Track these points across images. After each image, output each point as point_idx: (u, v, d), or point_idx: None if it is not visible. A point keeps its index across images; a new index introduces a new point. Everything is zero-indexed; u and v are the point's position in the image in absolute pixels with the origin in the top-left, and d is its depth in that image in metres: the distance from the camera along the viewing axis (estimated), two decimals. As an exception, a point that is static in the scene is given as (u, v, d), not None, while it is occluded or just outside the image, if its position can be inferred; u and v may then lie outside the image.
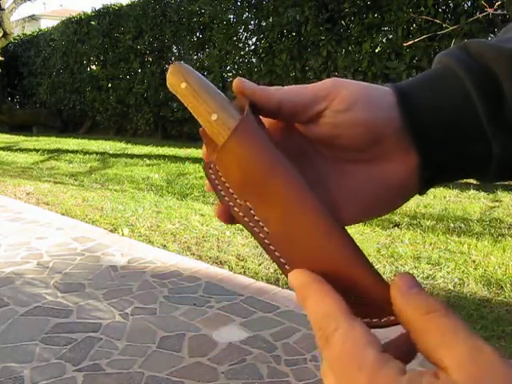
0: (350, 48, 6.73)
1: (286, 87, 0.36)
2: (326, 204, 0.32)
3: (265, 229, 0.32)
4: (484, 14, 4.01)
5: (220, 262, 3.05)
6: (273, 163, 0.32)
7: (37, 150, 8.55)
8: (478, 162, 0.35)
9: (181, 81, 0.36)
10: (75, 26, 11.76)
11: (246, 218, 0.32)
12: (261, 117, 0.36)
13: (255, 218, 0.32)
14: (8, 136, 11.65)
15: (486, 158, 0.35)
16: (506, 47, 0.34)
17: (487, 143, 0.34)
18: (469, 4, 5.57)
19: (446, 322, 0.26)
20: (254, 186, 0.32)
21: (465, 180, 4.92)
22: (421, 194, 0.38)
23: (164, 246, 3.37)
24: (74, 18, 11.87)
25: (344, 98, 0.34)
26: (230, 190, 0.33)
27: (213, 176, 0.34)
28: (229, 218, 0.35)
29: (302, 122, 0.36)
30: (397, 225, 3.54)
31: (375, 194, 0.36)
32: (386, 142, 0.35)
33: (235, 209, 0.33)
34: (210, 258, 3.12)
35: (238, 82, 0.36)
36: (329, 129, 0.35)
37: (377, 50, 6.45)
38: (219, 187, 0.34)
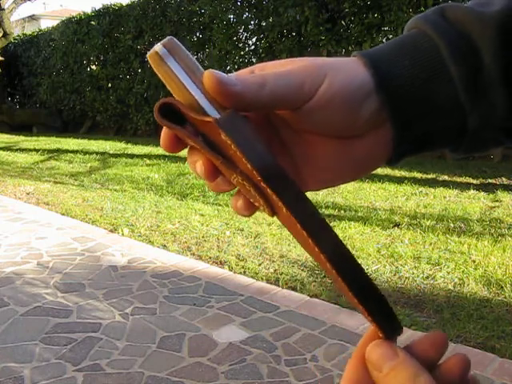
0: (350, 48, 6.73)
1: (270, 77, 0.32)
2: (289, 170, 0.31)
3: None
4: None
5: (220, 261, 3.05)
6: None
7: (37, 150, 8.55)
8: (453, 135, 0.35)
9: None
10: (75, 26, 11.76)
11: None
12: None
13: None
14: (8, 136, 11.66)
15: (461, 131, 0.34)
16: (487, 12, 0.33)
17: (464, 117, 0.33)
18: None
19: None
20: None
21: (465, 180, 4.93)
22: (390, 164, 0.37)
23: (164, 246, 3.37)
24: (73, 18, 11.87)
25: (321, 96, 0.32)
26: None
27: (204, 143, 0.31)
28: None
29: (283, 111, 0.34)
30: (397, 225, 3.54)
31: (341, 166, 0.35)
32: (359, 124, 0.33)
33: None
34: (210, 257, 3.12)
35: (212, 83, 0.30)
36: (302, 115, 0.33)
37: (377, 50, 6.45)
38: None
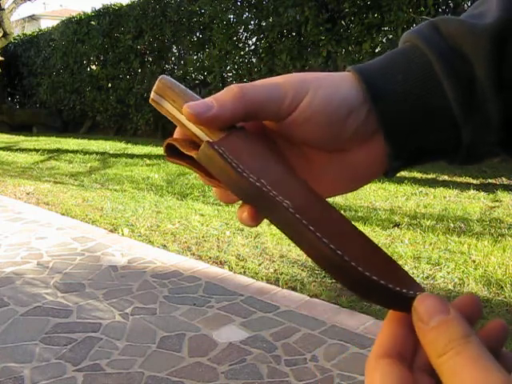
0: (349, 48, 6.73)
1: (249, 86, 0.32)
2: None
3: (273, 193, 0.31)
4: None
5: (220, 261, 3.05)
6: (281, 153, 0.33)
7: (37, 150, 8.55)
8: (448, 148, 0.35)
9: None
10: (75, 26, 11.76)
11: (263, 188, 0.30)
12: None
13: (269, 188, 0.31)
14: (8, 136, 11.65)
15: (456, 144, 0.34)
16: (479, 25, 0.33)
17: (458, 130, 0.33)
18: (469, 4, 5.57)
19: (458, 363, 0.24)
20: (271, 171, 0.31)
21: (465, 180, 4.93)
22: (386, 177, 0.37)
23: (164, 246, 3.37)
24: (73, 18, 11.87)
25: (304, 108, 0.33)
26: (240, 167, 0.31)
27: (220, 150, 0.31)
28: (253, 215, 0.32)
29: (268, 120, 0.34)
30: (397, 225, 3.54)
31: (337, 178, 0.36)
32: (345, 136, 0.33)
33: (251, 179, 0.31)
34: (210, 257, 3.12)
35: (188, 116, 0.31)
36: (288, 127, 0.34)
37: (377, 50, 6.45)
38: (229, 160, 0.31)
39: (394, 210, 3.94)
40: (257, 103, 0.32)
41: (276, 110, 0.32)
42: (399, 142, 0.34)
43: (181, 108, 0.33)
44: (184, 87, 0.34)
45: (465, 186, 4.63)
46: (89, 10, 11.78)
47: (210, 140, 0.32)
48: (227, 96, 0.32)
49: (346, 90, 0.33)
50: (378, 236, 3.32)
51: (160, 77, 0.35)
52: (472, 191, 4.46)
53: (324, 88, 0.33)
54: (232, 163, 0.31)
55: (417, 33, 0.34)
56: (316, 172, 0.36)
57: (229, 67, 8.73)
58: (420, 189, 4.63)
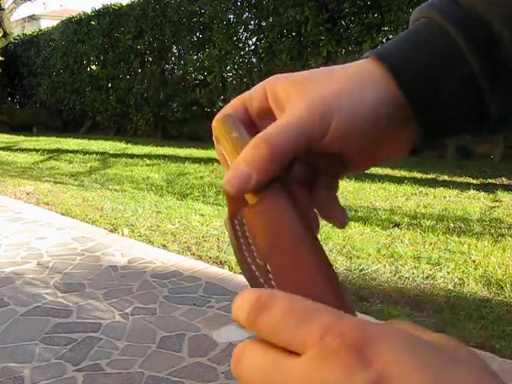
0: (350, 48, 6.73)
1: (277, 145, 0.31)
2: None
3: (272, 283, 0.31)
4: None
5: (220, 262, 3.05)
6: (301, 234, 0.31)
7: (37, 150, 8.55)
8: (476, 121, 0.34)
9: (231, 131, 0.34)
10: (75, 26, 11.76)
11: (260, 278, 0.31)
12: None
13: (269, 277, 0.30)
14: (8, 136, 11.66)
15: (485, 117, 0.34)
16: None
17: (483, 98, 0.33)
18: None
19: None
20: (281, 253, 0.31)
21: (465, 180, 4.93)
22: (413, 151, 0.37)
23: (164, 246, 3.37)
24: (73, 18, 11.87)
25: (333, 137, 0.32)
26: (252, 247, 0.32)
27: (237, 227, 0.32)
28: None
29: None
30: (397, 225, 3.54)
31: (380, 153, 0.36)
32: (382, 129, 0.33)
33: (252, 267, 0.31)
34: (210, 257, 3.12)
35: (230, 192, 0.32)
36: (324, 147, 0.33)
37: (377, 50, 6.45)
38: (241, 241, 0.32)
39: (394, 210, 3.94)
40: (289, 153, 0.32)
41: (307, 147, 0.32)
42: (429, 125, 0.34)
43: (229, 158, 0.34)
44: (237, 126, 0.34)
45: (465, 186, 4.63)
46: (89, 10, 11.79)
47: (230, 214, 0.33)
48: (259, 158, 0.31)
49: (369, 95, 0.33)
50: (377, 236, 3.32)
51: (216, 117, 0.35)
52: (472, 191, 4.46)
53: (345, 108, 0.32)
54: (242, 246, 0.31)
55: (430, 6, 0.34)
56: (348, 165, 0.36)
57: (229, 67, 8.73)
58: (420, 189, 4.63)
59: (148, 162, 6.99)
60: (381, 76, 0.33)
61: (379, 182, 4.92)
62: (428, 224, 3.51)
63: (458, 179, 5.00)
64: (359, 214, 3.86)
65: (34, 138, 10.91)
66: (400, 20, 6.00)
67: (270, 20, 7.73)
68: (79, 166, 6.93)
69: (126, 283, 2.73)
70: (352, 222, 3.60)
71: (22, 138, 11.21)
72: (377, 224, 3.57)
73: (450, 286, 2.52)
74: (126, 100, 10.60)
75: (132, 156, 7.59)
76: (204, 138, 8.72)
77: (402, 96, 0.32)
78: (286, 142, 0.31)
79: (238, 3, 8.30)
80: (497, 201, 4.12)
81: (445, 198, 4.32)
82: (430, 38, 0.33)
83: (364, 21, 6.43)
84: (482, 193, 4.40)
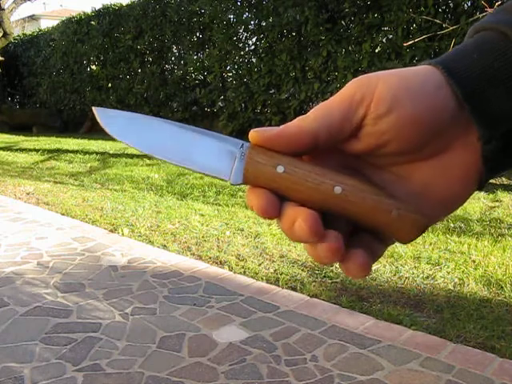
0: (350, 48, 6.73)
1: (309, 116, 0.31)
2: None
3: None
4: (484, 14, 4.00)
5: (220, 261, 3.05)
6: None
7: (37, 150, 8.55)
8: None
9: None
10: (75, 26, 11.76)
11: None
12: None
13: None
14: (8, 136, 11.65)
15: None
16: None
17: None
18: (469, 4, 5.57)
19: None
20: None
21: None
22: (480, 188, 0.35)
23: (164, 246, 3.37)
24: (73, 18, 11.88)
25: (380, 98, 0.30)
26: None
27: None
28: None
29: (342, 142, 0.32)
30: (397, 225, 3.54)
31: (437, 195, 0.33)
32: (443, 131, 0.31)
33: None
34: (210, 257, 3.12)
35: (255, 136, 0.32)
36: (374, 139, 0.31)
37: (377, 50, 6.45)
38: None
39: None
40: (323, 127, 0.31)
41: (341, 124, 0.31)
42: (489, 125, 0.31)
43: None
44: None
45: (465, 186, 4.62)
46: (89, 10, 11.79)
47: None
48: (293, 128, 0.32)
49: (442, 99, 0.31)
50: (377, 236, 3.32)
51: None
52: (472, 191, 4.45)
53: (393, 79, 0.31)
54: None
55: (492, 19, 0.32)
56: (422, 189, 0.33)
57: (229, 67, 8.73)
58: (420, 189, 4.63)
59: (148, 161, 6.98)
60: (440, 75, 0.31)
61: (379, 181, 4.91)
62: (428, 224, 3.50)
63: (458, 179, 4.99)
64: (359, 214, 3.86)
65: (34, 138, 10.90)
66: (400, 20, 6.00)
67: (270, 20, 7.73)
68: (79, 165, 6.93)
69: (126, 283, 2.73)
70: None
71: (21, 138, 11.21)
72: (377, 224, 3.57)
73: (450, 286, 2.52)
74: (126, 100, 10.60)
75: (132, 156, 7.59)
76: (204, 138, 8.70)
77: (457, 95, 0.31)
78: (326, 116, 0.31)
79: (238, 3, 8.30)
80: (497, 201, 4.12)
81: (445, 197, 4.31)
82: (498, 47, 0.31)
83: (364, 21, 6.43)
84: (482, 193, 4.40)
